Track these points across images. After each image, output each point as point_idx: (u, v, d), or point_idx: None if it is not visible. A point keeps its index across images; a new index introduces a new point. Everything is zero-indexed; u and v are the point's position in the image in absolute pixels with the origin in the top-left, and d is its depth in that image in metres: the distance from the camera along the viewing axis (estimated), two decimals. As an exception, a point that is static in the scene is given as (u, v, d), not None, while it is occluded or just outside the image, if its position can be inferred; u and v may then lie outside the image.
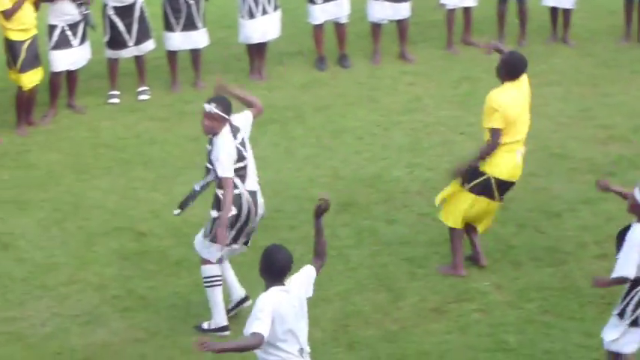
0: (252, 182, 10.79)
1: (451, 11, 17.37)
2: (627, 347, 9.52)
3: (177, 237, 12.40)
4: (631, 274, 9.25)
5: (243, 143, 10.71)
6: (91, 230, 12.62)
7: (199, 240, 10.86)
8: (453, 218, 11.63)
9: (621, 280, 9.34)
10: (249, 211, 10.71)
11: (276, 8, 16.32)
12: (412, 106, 15.62)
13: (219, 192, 10.60)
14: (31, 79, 14.67)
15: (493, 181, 11.40)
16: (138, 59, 15.87)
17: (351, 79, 16.43)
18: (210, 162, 10.65)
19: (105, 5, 15.47)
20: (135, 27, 15.59)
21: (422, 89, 16.22)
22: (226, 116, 10.60)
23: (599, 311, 11.00)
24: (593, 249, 12.12)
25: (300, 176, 13.71)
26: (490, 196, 11.44)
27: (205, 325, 10.91)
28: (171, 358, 10.50)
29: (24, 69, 14.56)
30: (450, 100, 15.84)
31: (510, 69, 11.52)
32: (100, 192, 13.44)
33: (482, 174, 11.40)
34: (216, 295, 10.79)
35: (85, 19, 15.10)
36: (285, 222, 12.72)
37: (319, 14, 16.65)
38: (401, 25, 17.12)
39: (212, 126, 10.57)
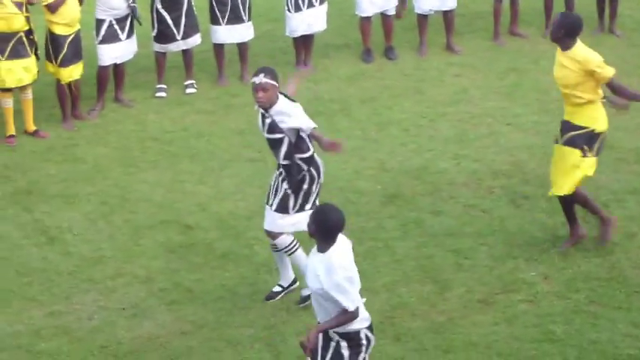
0: None
1: (498, 2, 17.27)
2: None
3: (224, 230, 12.36)
4: None
5: None
6: (137, 223, 12.59)
7: (271, 218, 10.81)
8: (568, 186, 11.54)
9: None
10: (319, 172, 10.85)
11: (322, 1, 16.25)
12: (458, 98, 15.54)
13: (286, 162, 10.62)
14: (71, 73, 14.71)
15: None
16: (185, 53, 15.84)
17: (397, 71, 16.39)
18: (274, 132, 10.62)
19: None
20: (182, 21, 15.57)
21: (468, 80, 16.14)
22: (276, 83, 10.50)
23: (647, 302, 10.95)
24: (640, 239, 12.04)
25: (346, 168, 13.63)
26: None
27: (278, 288, 11.12)
28: (218, 351, 10.43)
29: (64, 64, 14.59)
30: (496, 92, 15.74)
31: (573, 29, 11.45)
32: (147, 185, 13.43)
33: (598, 134, 11.51)
34: (301, 258, 10.76)
35: (132, 12, 15.09)
36: (330, 214, 12.63)
37: (367, 6, 16.59)
38: (447, 16, 17.03)
39: (268, 96, 10.48)
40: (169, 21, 15.50)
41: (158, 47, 15.70)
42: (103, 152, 14.25)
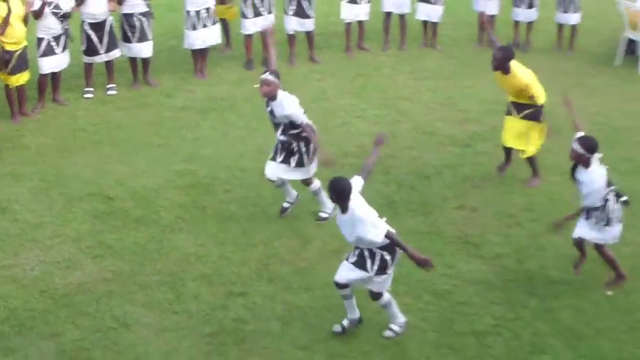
0: None
1: (348, 24, 17.30)
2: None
3: (137, 200, 12.21)
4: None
5: None
6: (70, 196, 12.36)
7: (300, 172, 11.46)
8: (535, 147, 12.29)
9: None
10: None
11: (214, 22, 16.12)
12: (319, 97, 15.52)
13: (282, 138, 11.30)
14: (18, 80, 14.40)
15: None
16: (107, 63, 15.59)
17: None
18: (276, 117, 11.23)
19: (82, 22, 15.19)
20: (105, 38, 15.33)
21: (326, 84, 16.14)
22: (277, 81, 11.02)
23: (457, 249, 11.06)
24: (453, 202, 12.13)
25: (232, 151, 13.56)
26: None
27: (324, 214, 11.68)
28: (133, 293, 10.32)
29: (13, 72, 14.29)
30: (347, 92, 15.77)
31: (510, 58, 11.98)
32: (78, 166, 13.17)
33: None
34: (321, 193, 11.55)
35: (66, 32, 14.84)
36: (221, 187, 12.56)
37: (250, 26, 16.49)
38: (309, 35, 17.01)
39: (269, 90, 11.05)
40: (95, 38, 15.26)
41: (87, 59, 15.44)
42: (44, 141, 13.95)
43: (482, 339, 9.55)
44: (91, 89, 15.56)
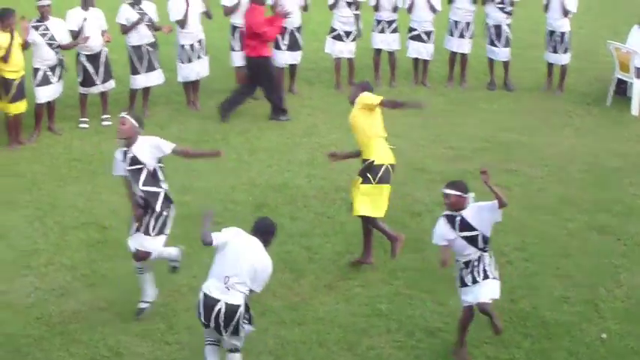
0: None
1: (338, 60, 17.41)
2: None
3: (131, 229, 12.25)
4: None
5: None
6: (65, 224, 12.41)
7: (142, 239, 10.17)
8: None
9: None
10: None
11: (205, 54, 16.21)
12: (310, 131, 15.62)
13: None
14: (18, 108, 14.49)
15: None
16: (103, 94, 15.65)
17: (263, 111, 16.33)
18: (141, 162, 10.09)
19: (78, 53, 15.24)
20: (101, 70, 15.39)
21: (318, 119, 16.20)
22: (136, 124, 10.10)
23: (449, 286, 11.02)
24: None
25: (225, 184, 13.62)
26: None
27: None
28: (126, 323, 10.35)
29: (13, 100, 14.39)
30: (338, 127, 15.77)
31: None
32: (72, 195, 13.24)
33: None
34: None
35: (61, 63, 14.91)
36: (213, 219, 12.55)
37: (239, 60, 16.57)
38: (292, 68, 17.10)
39: (125, 130, 10.05)
40: (91, 70, 15.32)
41: (82, 90, 15.49)
42: (39, 169, 14.00)
43: (475, 378, 9.60)
44: (86, 119, 15.61)
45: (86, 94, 15.54)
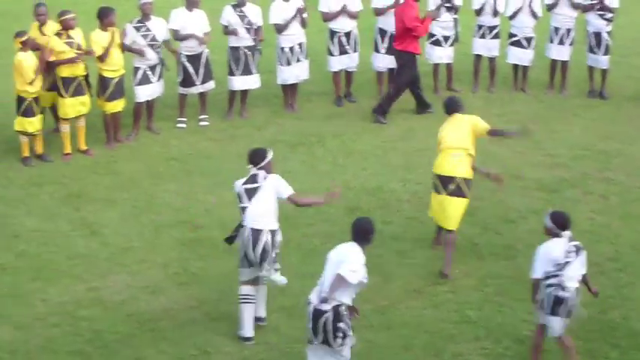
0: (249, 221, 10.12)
1: (436, 65, 17.28)
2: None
3: (225, 230, 12.12)
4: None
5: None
6: (159, 223, 12.58)
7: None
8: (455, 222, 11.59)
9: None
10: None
11: (306, 57, 16.25)
12: (406, 135, 15.51)
13: None
14: (115, 107, 14.71)
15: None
16: (201, 94, 15.79)
17: (360, 113, 16.30)
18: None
19: (180, 54, 15.41)
20: (201, 71, 15.53)
21: (415, 122, 16.06)
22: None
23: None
24: (537, 248, 11.95)
25: (319, 186, 13.55)
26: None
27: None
28: (216, 321, 10.47)
29: (110, 99, 14.62)
30: (435, 131, 15.53)
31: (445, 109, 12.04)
32: (168, 194, 13.40)
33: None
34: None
35: (162, 63, 15.10)
36: (305, 221, 12.61)
37: (335, 64, 16.59)
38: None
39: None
40: (192, 70, 15.48)
41: (182, 90, 15.66)
42: (136, 168, 14.20)
43: (563, 388, 9.45)
44: (184, 119, 15.78)
45: (185, 94, 15.70)
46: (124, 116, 15.03)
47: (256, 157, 10.22)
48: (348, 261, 9.01)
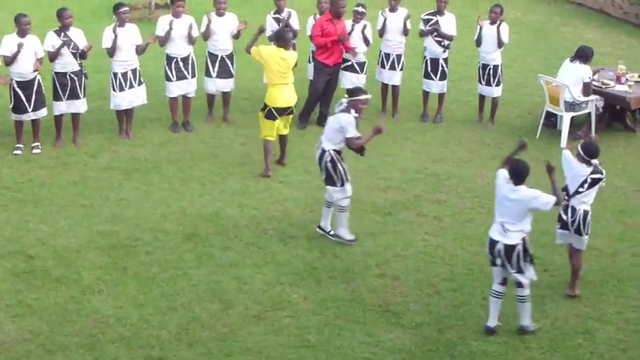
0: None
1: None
2: None
3: (58, 260, 11.99)
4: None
5: None
6: (-10, 253, 12.14)
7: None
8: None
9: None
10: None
11: (140, 83, 15.99)
12: (243, 161, 15.39)
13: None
14: None
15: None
16: (33, 122, 15.28)
17: (197, 139, 16.15)
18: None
19: (11, 79, 14.91)
20: (33, 97, 15.09)
21: (251, 147, 15.96)
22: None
23: (377, 317, 11.00)
24: (374, 270, 12.08)
25: (155, 213, 13.39)
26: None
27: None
28: (52, 353, 10.13)
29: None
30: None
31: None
32: (-1, 224, 12.96)
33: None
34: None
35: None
36: (142, 248, 12.38)
37: (174, 89, 16.40)
38: (225, 96, 16.99)
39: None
40: (23, 97, 15.02)
41: (15, 116, 15.16)
42: (-36, 197, 13.71)
43: (401, 408, 9.50)
44: (21, 146, 15.23)
45: (21, 120, 15.21)
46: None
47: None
48: (535, 195, 10.32)
